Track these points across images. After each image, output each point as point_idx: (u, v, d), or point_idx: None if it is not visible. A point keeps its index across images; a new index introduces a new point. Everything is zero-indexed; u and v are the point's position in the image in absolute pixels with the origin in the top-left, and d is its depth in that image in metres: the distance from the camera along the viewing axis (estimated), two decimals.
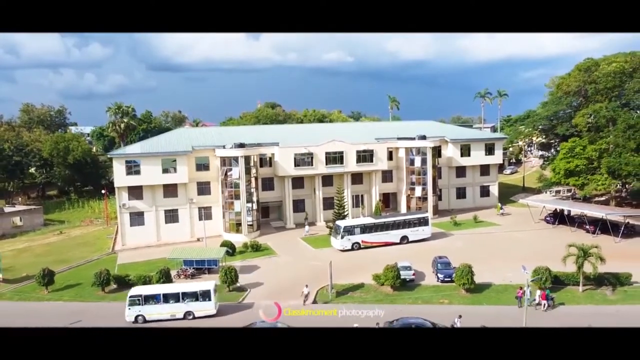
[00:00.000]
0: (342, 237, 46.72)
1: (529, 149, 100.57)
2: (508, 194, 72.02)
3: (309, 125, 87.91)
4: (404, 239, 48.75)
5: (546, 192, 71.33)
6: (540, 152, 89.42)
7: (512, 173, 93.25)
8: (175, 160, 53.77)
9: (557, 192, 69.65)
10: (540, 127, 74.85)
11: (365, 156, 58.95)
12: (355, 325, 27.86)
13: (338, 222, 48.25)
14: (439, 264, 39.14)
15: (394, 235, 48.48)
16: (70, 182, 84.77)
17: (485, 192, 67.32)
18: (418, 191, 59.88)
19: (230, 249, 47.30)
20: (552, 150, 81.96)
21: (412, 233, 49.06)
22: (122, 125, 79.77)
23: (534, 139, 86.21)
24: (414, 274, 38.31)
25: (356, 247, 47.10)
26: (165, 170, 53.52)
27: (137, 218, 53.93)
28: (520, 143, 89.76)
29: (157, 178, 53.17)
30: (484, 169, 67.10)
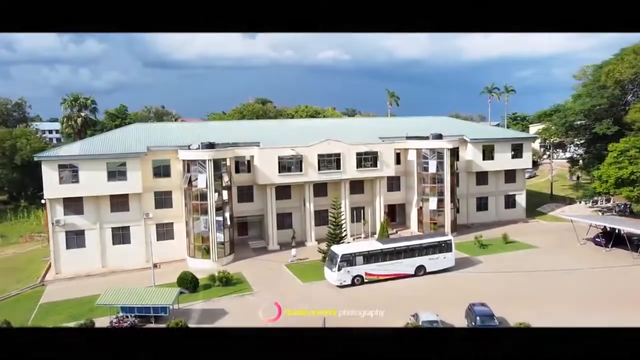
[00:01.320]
0: (339, 269, 35.09)
1: (551, 150, 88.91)
2: (533, 203, 60.64)
3: (299, 120, 76.06)
4: (420, 270, 37.24)
5: (580, 202, 60.11)
6: (565, 154, 78.01)
7: (530, 177, 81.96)
8: (125, 164, 41.85)
9: (595, 202, 58.43)
10: (568, 124, 63.27)
11: (367, 159, 47.37)
12: None
13: (334, 249, 36.59)
14: (477, 317, 27.57)
15: (407, 265, 36.92)
16: (21, 187, 72.44)
17: (510, 202, 55.93)
18: (433, 203, 48.32)
19: (191, 284, 35.66)
20: (580, 150, 70.77)
21: (430, 262, 37.51)
22: (79, 121, 67.16)
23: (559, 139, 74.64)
24: None
25: (358, 281, 35.52)
26: (112, 177, 41.59)
27: (75, 238, 41.96)
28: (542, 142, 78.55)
29: (102, 187, 41.23)
30: (509, 175, 55.69)
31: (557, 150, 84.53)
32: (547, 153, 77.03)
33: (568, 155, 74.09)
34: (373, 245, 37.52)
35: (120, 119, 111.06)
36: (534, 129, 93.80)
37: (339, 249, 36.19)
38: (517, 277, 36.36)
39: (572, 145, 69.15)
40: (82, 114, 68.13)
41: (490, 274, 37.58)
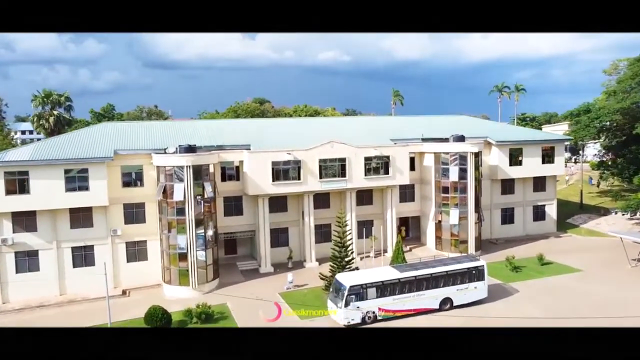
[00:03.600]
0: (346, 304, 27.95)
1: (582, 153, 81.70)
2: (562, 214, 53.52)
3: (298, 120, 68.82)
4: (446, 304, 30.15)
5: (616, 213, 53.05)
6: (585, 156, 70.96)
7: None
8: (86, 171, 34.71)
9: (634, 213, 51.36)
10: (601, 124, 56.26)
11: (378, 164, 40.27)
12: None
13: (340, 278, 29.41)
14: None
15: (430, 297, 29.80)
16: None
17: (539, 214, 48.84)
18: (454, 216, 41.22)
19: (161, 322, 28.55)
20: (608, 154, 63.82)
21: (458, 293, 30.41)
22: (52, 120, 59.86)
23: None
24: None
25: (370, 319, 28.40)
26: (71, 187, 34.47)
27: (27, 260, 34.78)
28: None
29: (59, 199, 34.08)
30: (538, 183, 48.62)
31: (584, 153, 77.82)
32: (574, 157, 69.96)
33: (589, 158, 66.95)
34: (388, 273, 30.25)
35: (107, 118, 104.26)
36: (546, 129, 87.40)
37: (346, 279, 29.00)
38: (571, 319, 28.80)
39: (603, 148, 62.01)
40: (55, 112, 60.82)
41: (535, 311, 30.28)
